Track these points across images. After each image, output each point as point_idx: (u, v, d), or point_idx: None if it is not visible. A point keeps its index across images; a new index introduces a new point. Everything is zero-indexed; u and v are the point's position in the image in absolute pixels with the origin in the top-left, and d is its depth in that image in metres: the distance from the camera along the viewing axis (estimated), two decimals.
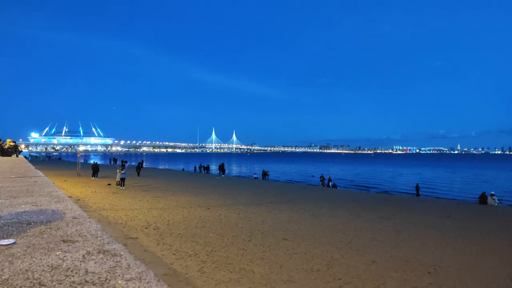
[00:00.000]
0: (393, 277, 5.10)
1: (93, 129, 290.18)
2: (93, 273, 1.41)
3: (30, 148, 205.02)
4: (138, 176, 24.25)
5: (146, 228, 7.82)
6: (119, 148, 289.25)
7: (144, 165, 51.77)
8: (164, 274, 4.73)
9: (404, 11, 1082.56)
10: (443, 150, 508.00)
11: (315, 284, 4.73)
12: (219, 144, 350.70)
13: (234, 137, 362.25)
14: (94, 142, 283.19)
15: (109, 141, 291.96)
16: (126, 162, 17.71)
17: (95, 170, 21.82)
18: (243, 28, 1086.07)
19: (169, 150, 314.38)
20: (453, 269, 5.57)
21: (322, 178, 27.00)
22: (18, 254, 1.64)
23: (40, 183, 4.59)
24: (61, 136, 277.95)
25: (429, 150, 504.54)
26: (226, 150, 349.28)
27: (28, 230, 2.11)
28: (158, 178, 23.95)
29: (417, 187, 22.78)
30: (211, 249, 6.24)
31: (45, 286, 1.28)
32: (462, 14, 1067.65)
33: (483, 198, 16.99)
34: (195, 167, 42.85)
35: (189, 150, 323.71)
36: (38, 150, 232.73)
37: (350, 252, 6.36)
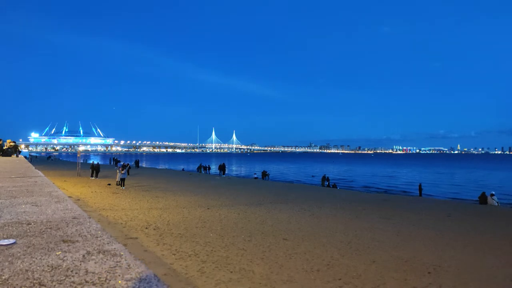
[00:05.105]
0: (393, 277, 5.10)
1: (93, 129, 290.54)
2: (93, 273, 1.41)
3: (30, 148, 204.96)
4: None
5: (146, 228, 7.82)
6: (119, 148, 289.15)
7: (144, 165, 51.72)
8: (164, 274, 4.73)
9: (402, 13, 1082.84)
10: (443, 150, 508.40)
11: (315, 284, 4.73)
12: (219, 144, 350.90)
13: (234, 137, 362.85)
14: (94, 142, 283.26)
15: (109, 141, 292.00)
16: (120, 161, 17.70)
17: (94, 170, 21.79)
18: (243, 28, 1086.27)
19: (169, 150, 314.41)
20: (453, 269, 5.56)
21: (323, 178, 27.01)
22: (18, 254, 1.64)
23: (40, 183, 4.58)
24: (61, 136, 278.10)
25: (429, 150, 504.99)
26: (226, 150, 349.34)
27: (28, 230, 2.11)
28: (158, 178, 23.94)
29: (419, 187, 22.79)
30: (211, 249, 6.23)
31: (45, 286, 1.28)
32: (461, 14, 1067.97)
33: (483, 198, 16.98)
34: (198, 167, 40.23)
35: (189, 150, 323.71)
36: (38, 150, 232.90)
37: (350, 252, 6.36)
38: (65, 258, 1.58)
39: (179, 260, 5.49)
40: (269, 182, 27.62)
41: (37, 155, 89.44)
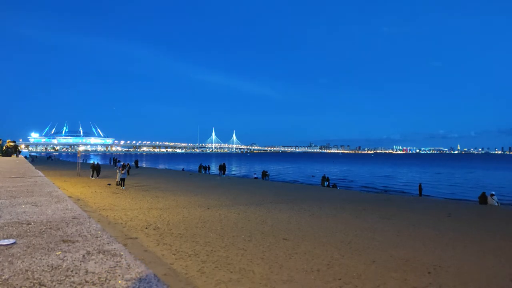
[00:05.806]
0: (393, 277, 5.10)
1: (93, 129, 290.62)
2: (93, 273, 1.41)
3: (30, 148, 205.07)
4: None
5: (146, 228, 7.82)
6: (119, 148, 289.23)
7: (144, 165, 51.73)
8: (164, 274, 4.73)
9: (402, 13, 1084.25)
10: (443, 150, 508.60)
11: (315, 284, 4.73)
12: (219, 144, 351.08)
13: (234, 137, 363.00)
14: (94, 142, 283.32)
15: (109, 141, 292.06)
16: (119, 161, 17.67)
17: (94, 170, 21.78)
18: (243, 28, 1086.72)
19: (169, 150, 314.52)
20: (453, 269, 5.56)
21: (323, 178, 27.01)
22: (18, 254, 1.64)
23: (40, 183, 4.58)
24: (61, 136, 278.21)
25: (429, 150, 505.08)
26: (226, 150, 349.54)
27: (28, 230, 2.11)
28: (158, 178, 23.95)
29: (419, 187, 22.80)
30: (211, 249, 6.23)
31: (45, 286, 1.28)
32: (461, 14, 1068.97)
33: (483, 198, 16.98)
34: (199, 167, 39.04)
35: (189, 150, 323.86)
36: (38, 150, 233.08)
37: (350, 252, 6.36)
38: (65, 258, 1.58)
39: (179, 260, 5.49)
40: (269, 182, 27.63)
41: (37, 155, 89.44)
